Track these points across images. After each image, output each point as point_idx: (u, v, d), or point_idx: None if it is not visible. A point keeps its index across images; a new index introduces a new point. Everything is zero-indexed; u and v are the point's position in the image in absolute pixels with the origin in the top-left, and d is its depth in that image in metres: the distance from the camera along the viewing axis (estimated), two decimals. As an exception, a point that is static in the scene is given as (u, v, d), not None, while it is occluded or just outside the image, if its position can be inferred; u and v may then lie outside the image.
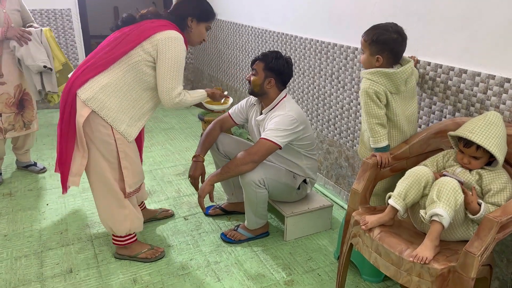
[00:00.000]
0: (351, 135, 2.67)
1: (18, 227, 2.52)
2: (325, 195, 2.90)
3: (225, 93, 2.36)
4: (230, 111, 2.52)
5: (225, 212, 2.69)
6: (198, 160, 2.38)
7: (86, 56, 4.80)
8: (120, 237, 2.17)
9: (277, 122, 2.19)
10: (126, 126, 1.99)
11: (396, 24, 1.83)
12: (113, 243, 2.21)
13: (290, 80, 3.20)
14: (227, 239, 2.41)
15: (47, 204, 2.79)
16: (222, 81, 4.59)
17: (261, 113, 2.36)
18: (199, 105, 2.28)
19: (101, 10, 7.01)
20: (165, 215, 2.63)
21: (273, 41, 3.40)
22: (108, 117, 1.93)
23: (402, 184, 1.62)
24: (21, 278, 2.08)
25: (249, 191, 2.23)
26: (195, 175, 2.36)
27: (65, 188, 2.06)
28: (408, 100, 1.90)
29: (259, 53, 3.55)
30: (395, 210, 1.63)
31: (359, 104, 2.56)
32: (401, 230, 1.67)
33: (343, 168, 2.79)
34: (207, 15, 2.06)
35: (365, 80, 1.84)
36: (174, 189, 3.02)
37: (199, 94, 2.16)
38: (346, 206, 2.74)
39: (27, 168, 3.29)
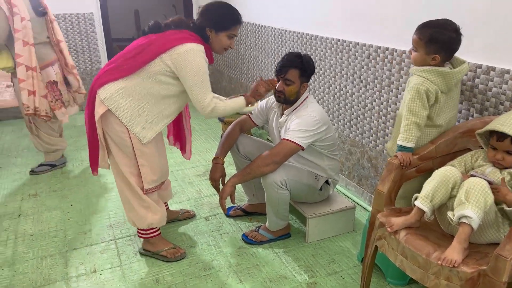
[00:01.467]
0: (373, 135, 2.62)
1: (43, 227, 2.57)
2: (347, 196, 2.86)
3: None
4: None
5: (246, 213, 2.68)
6: (218, 162, 2.38)
7: (108, 59, 4.91)
8: (143, 230, 2.21)
9: (300, 123, 2.16)
10: (141, 128, 2.00)
11: (451, 21, 1.74)
12: (138, 235, 2.26)
13: (311, 81, 3.19)
14: (248, 240, 2.39)
15: (71, 205, 2.83)
16: (241, 82, 4.59)
17: (282, 115, 2.34)
18: None
19: (123, 14, 7.12)
20: (187, 216, 2.64)
21: (293, 41, 3.37)
22: (122, 118, 1.96)
23: (429, 185, 1.58)
24: (47, 278, 2.12)
25: (271, 192, 2.22)
26: (216, 177, 2.36)
27: (95, 170, 2.16)
28: (453, 102, 1.86)
29: (280, 54, 3.54)
30: (422, 212, 1.59)
31: (382, 104, 2.52)
32: (427, 232, 1.63)
33: (366, 169, 2.74)
34: (225, 24, 2.01)
35: (417, 77, 1.78)
36: (195, 190, 3.03)
37: (236, 103, 2.10)
38: (369, 208, 2.70)
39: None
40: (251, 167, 2.18)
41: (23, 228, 2.56)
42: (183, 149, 2.50)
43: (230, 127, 2.51)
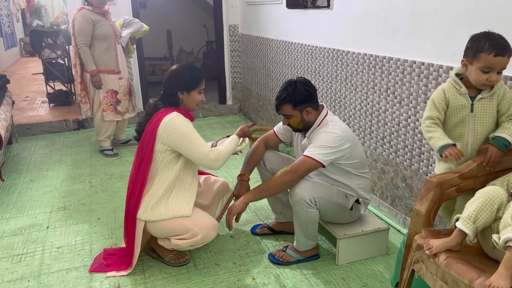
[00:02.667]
0: (408, 153, 2.51)
1: (70, 240, 2.57)
2: (379, 217, 2.74)
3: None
4: (275, 128, 2.47)
5: (272, 232, 2.59)
6: (243, 179, 2.35)
7: (140, 77, 5.00)
8: None
9: (321, 139, 2.10)
10: (180, 207, 2.15)
11: None
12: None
13: (341, 97, 3.12)
14: (275, 260, 2.31)
15: (99, 218, 2.83)
16: (270, 99, 4.56)
17: (304, 137, 2.28)
18: None
19: (155, 33, 7.30)
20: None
21: (323, 57, 3.33)
22: (162, 217, 2.13)
23: (472, 206, 1.46)
24: (71, 291, 2.10)
25: (299, 211, 2.13)
26: (240, 194, 2.30)
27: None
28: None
29: (309, 71, 3.49)
30: (464, 234, 1.47)
31: (417, 121, 2.41)
32: (469, 256, 1.50)
33: (400, 189, 2.62)
34: (194, 82, 2.17)
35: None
36: (221, 207, 2.97)
37: (231, 141, 2.27)
38: (402, 230, 2.57)
39: (126, 143, 4.32)
40: (268, 183, 2.13)
41: (50, 241, 2.57)
42: None
43: (255, 143, 2.47)
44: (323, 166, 2.09)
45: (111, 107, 3.92)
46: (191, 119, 2.20)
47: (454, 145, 1.69)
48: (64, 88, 5.89)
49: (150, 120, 2.17)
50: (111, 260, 2.31)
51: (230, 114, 5.64)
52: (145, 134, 2.17)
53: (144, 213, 2.12)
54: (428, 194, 1.62)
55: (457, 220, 1.49)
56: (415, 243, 1.58)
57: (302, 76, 2.26)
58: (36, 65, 9.78)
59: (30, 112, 5.37)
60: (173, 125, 2.06)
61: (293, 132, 2.38)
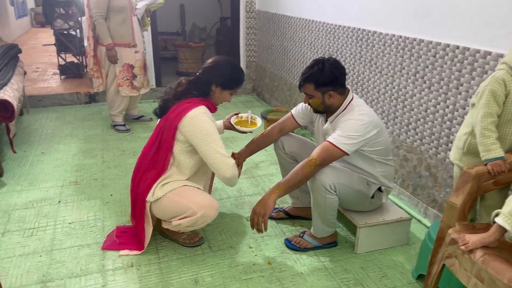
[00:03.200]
0: (435, 141, 2.40)
1: (82, 216, 2.52)
2: (400, 206, 2.65)
3: (247, 114, 2.42)
4: (293, 111, 2.35)
5: (289, 216, 2.52)
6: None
7: (153, 51, 4.88)
8: None
9: (347, 127, 1.98)
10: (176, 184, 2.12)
11: None
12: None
13: (364, 80, 3.00)
14: (292, 245, 2.24)
15: (111, 195, 2.78)
16: (285, 79, 4.44)
17: (326, 121, 2.17)
18: (232, 127, 2.38)
19: (168, 8, 7.11)
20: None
21: (346, 37, 3.19)
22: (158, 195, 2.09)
23: (514, 201, 1.37)
24: (83, 268, 2.05)
25: (318, 196, 2.05)
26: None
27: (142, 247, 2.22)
28: None
29: (331, 51, 3.35)
30: (503, 231, 1.38)
31: (447, 107, 2.30)
32: (507, 254, 1.42)
33: (423, 178, 2.53)
34: (232, 84, 2.13)
35: None
36: (235, 188, 2.90)
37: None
38: (423, 220, 2.49)
39: (139, 119, 4.26)
40: (297, 177, 2.00)
41: (62, 215, 2.52)
42: None
43: (268, 129, 2.37)
44: (348, 155, 2.00)
45: (127, 81, 3.83)
46: (215, 110, 2.17)
47: (502, 157, 1.58)
48: (75, 60, 5.80)
49: (176, 106, 2.08)
50: (124, 238, 2.26)
51: (243, 94, 5.52)
52: (167, 118, 2.08)
53: (150, 195, 2.07)
54: (464, 186, 1.52)
55: (496, 215, 1.40)
56: (448, 237, 1.49)
57: (328, 56, 2.12)
58: (46, 36, 9.67)
59: (41, 84, 5.30)
60: (198, 122, 1.99)
61: (314, 114, 2.27)
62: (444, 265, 1.53)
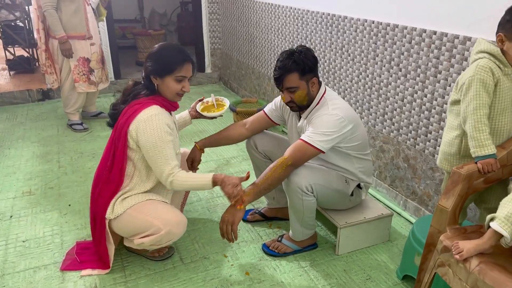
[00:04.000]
0: (413, 131, 2.30)
1: (38, 231, 2.28)
2: (378, 199, 2.56)
3: (211, 98, 2.22)
4: (265, 110, 2.18)
5: (265, 218, 2.38)
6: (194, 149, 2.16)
7: (109, 40, 4.55)
8: None
9: (321, 123, 1.84)
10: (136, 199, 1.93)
11: None
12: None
13: (336, 68, 2.86)
14: (270, 251, 2.10)
15: (69, 205, 2.53)
16: (253, 68, 4.25)
17: (300, 118, 2.02)
18: (199, 115, 2.18)
19: (125, -7, 6.72)
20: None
21: (315, 23, 3.02)
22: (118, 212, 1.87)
23: (509, 205, 1.27)
24: (40, 296, 1.83)
25: (295, 199, 1.91)
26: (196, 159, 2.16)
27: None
28: None
29: (300, 38, 3.18)
30: (499, 236, 1.28)
31: (425, 96, 2.19)
32: (503, 260, 1.32)
33: (401, 169, 2.43)
34: (166, 67, 1.80)
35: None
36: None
37: (200, 181, 1.82)
38: (403, 213, 2.40)
39: (97, 116, 3.96)
40: (269, 181, 1.83)
41: (15, 233, 2.26)
42: None
43: (236, 124, 2.20)
44: (323, 153, 1.86)
45: (83, 77, 3.52)
46: (174, 108, 1.92)
47: (495, 155, 1.47)
48: (25, 54, 5.36)
49: (126, 109, 1.85)
50: (85, 256, 2.04)
51: (209, 83, 5.29)
52: (117, 125, 1.85)
53: (110, 212, 1.86)
54: (455, 188, 1.41)
55: (491, 220, 1.30)
56: (440, 244, 1.39)
57: (291, 43, 1.95)
58: (-7, 27, 8.97)
59: (-13, 81, 4.86)
60: (148, 127, 1.76)
61: (286, 112, 2.11)
62: (435, 273, 1.42)
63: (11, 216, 2.42)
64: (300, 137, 1.87)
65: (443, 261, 1.37)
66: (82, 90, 3.55)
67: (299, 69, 1.84)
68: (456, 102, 1.58)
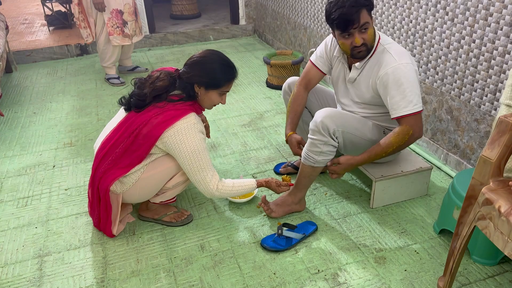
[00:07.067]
0: (458, 81, 2.15)
1: (79, 180, 2.37)
2: (416, 152, 2.46)
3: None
4: (312, 59, 2.04)
5: (297, 170, 2.35)
6: (291, 139, 2.01)
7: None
8: None
9: (405, 83, 1.69)
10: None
11: None
12: None
13: (376, 15, 2.68)
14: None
15: (108, 156, 2.61)
16: (288, 17, 4.08)
17: (350, 67, 1.89)
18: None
19: None
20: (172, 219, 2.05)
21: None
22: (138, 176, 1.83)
23: None
24: (82, 239, 1.93)
25: (316, 142, 1.84)
26: (299, 152, 1.98)
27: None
28: None
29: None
30: (549, 189, 1.19)
31: (473, 42, 2.02)
32: (550, 214, 1.24)
33: (444, 121, 2.30)
34: (215, 82, 1.77)
35: None
36: (239, 142, 2.72)
37: (245, 185, 1.89)
38: (443, 167, 2.30)
39: (133, 70, 3.98)
40: (375, 151, 1.78)
41: (57, 181, 2.37)
42: None
43: (295, 91, 2.07)
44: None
45: (117, 29, 3.51)
46: (200, 112, 1.88)
47: None
48: (63, 9, 5.42)
49: (158, 109, 1.73)
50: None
51: (243, 36, 5.17)
52: (145, 121, 1.73)
53: (119, 187, 1.81)
54: (501, 137, 1.31)
55: (541, 171, 1.20)
56: (482, 197, 1.31)
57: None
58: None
59: (28, 37, 4.98)
60: (189, 136, 1.72)
61: (334, 59, 1.97)
62: (475, 226, 1.36)
63: (54, 166, 2.52)
64: (399, 114, 1.72)
65: (484, 214, 1.30)
66: (117, 43, 3.56)
67: (367, 3, 1.68)
68: None
